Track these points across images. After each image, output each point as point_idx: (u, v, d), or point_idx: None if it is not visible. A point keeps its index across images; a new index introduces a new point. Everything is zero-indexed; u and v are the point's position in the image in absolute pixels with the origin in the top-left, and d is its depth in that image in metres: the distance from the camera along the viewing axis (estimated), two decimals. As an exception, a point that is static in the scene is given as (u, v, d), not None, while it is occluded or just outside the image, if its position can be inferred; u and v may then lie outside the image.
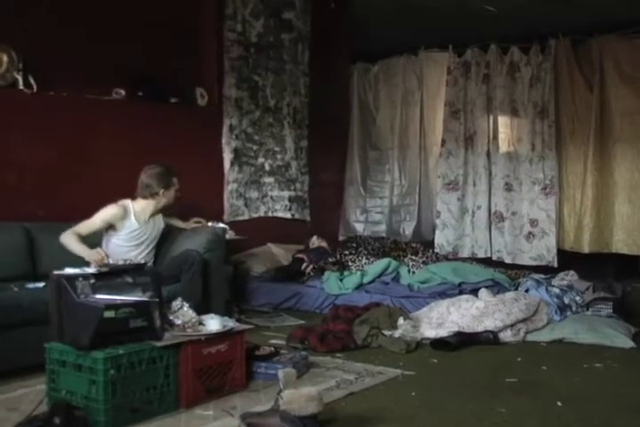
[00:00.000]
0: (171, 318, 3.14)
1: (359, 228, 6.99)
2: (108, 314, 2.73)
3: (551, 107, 6.15)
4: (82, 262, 3.63)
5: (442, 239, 6.46)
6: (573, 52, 6.16)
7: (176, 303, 3.24)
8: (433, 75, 6.74)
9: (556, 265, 6.00)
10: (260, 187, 6.08)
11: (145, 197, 4.28)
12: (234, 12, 5.79)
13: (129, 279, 2.97)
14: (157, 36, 5.25)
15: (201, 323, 3.21)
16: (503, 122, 6.45)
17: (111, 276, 2.96)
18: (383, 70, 7.03)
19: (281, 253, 5.95)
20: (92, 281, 2.86)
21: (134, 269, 3.05)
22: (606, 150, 6.01)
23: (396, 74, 6.93)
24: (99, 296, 2.82)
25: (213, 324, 3.17)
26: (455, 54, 6.57)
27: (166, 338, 2.97)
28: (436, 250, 6.36)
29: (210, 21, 5.69)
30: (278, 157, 6.20)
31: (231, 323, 3.30)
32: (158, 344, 2.90)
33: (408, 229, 6.84)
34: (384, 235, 6.80)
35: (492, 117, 6.46)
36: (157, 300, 2.94)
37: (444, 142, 6.52)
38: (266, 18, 6.05)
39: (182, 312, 3.21)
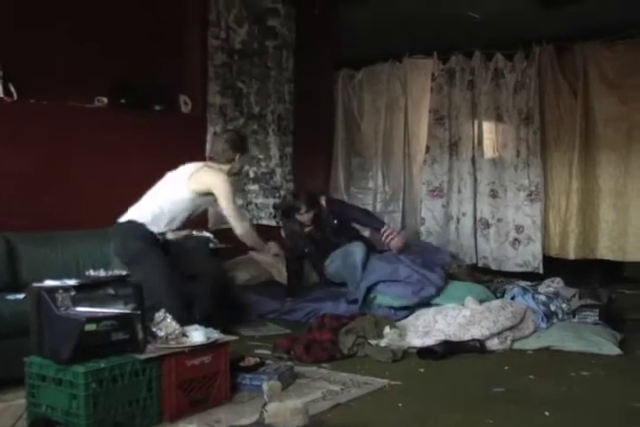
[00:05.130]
0: (153, 329, 3.08)
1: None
2: (90, 327, 2.67)
3: (536, 113, 6.18)
4: (62, 273, 3.56)
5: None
6: (557, 58, 6.19)
7: (159, 315, 3.18)
8: (417, 81, 6.75)
9: (541, 271, 6.00)
10: (244, 194, 6.03)
11: (222, 163, 4.24)
12: (217, 19, 5.75)
13: (111, 291, 2.91)
14: (140, 43, 5.21)
15: (184, 335, 3.15)
16: (488, 128, 6.46)
17: (92, 288, 2.90)
18: (367, 77, 7.03)
19: (265, 260, 5.90)
20: (73, 293, 2.80)
21: (116, 280, 2.99)
22: (591, 156, 6.04)
23: (380, 80, 6.94)
24: (79, 309, 2.77)
25: (197, 335, 3.12)
26: (440, 61, 6.59)
27: (149, 351, 2.91)
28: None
29: (193, 28, 5.66)
30: (263, 164, 6.17)
31: (215, 334, 3.25)
32: (141, 357, 2.84)
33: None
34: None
35: (476, 124, 6.48)
36: (139, 312, 2.88)
37: (428, 149, 6.53)
38: (250, 24, 6.02)
39: (165, 324, 3.15)
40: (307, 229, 5.50)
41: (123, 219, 4.11)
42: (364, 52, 7.06)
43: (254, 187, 6.11)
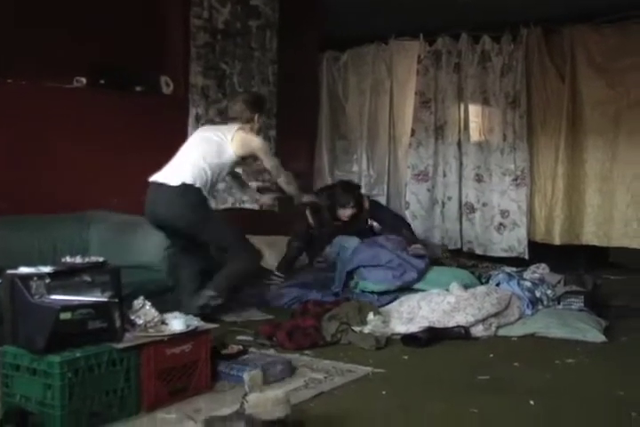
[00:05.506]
0: (132, 317, 3.00)
1: (327, 218, 6.87)
2: (65, 316, 2.59)
3: (523, 97, 6.11)
4: (38, 259, 3.48)
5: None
6: (545, 41, 6.11)
7: (138, 302, 3.10)
8: (403, 64, 6.65)
9: (526, 257, 5.98)
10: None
11: (243, 123, 4.35)
12: (200, -1, 5.62)
13: (87, 278, 2.83)
14: (120, 22, 5.08)
15: (164, 322, 3.08)
16: (474, 112, 6.39)
17: (68, 275, 2.81)
18: (353, 59, 6.92)
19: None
20: (48, 281, 2.71)
21: (93, 267, 2.91)
22: (577, 141, 5.99)
23: (365, 62, 6.83)
24: (54, 297, 2.68)
25: (177, 323, 3.04)
26: (426, 43, 6.49)
27: (127, 339, 2.84)
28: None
29: (175, 7, 5.53)
30: (246, 147, 6.06)
31: (195, 322, 3.18)
32: (118, 346, 2.77)
33: (377, 220, 6.75)
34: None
35: (462, 107, 6.41)
36: (117, 300, 2.80)
37: (413, 132, 6.45)
38: (233, 4, 5.88)
39: (144, 311, 3.07)
40: (335, 223, 5.43)
41: (172, 180, 4.09)
42: (350, 34, 6.93)
43: (237, 170, 5.98)
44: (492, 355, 3.86)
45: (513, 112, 6.10)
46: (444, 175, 6.36)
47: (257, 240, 5.86)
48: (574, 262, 5.94)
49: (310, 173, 6.92)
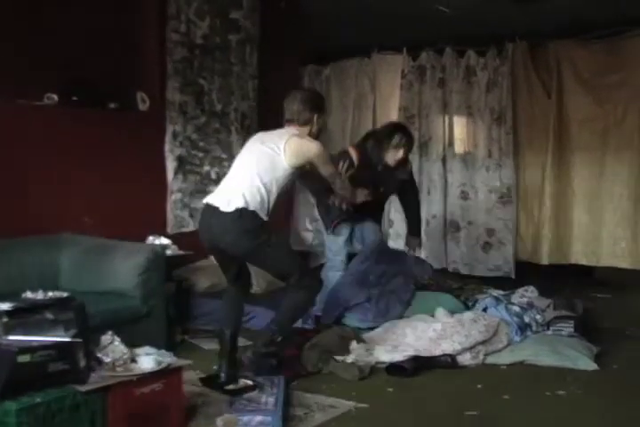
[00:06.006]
0: (99, 355, 2.82)
1: (308, 237, 6.70)
2: (23, 358, 2.41)
3: (508, 113, 5.99)
4: (4, 287, 3.29)
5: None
6: (531, 56, 5.99)
7: (106, 338, 2.91)
8: (386, 78, 6.51)
9: (513, 276, 5.84)
10: (206, 196, 5.73)
11: (301, 125, 3.80)
12: (177, 12, 5.44)
13: (49, 316, 2.65)
14: (93, 36, 4.89)
15: (133, 359, 2.90)
16: (459, 128, 6.26)
17: (29, 312, 2.63)
18: (335, 73, 6.78)
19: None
20: (6, 320, 2.53)
21: (56, 303, 2.72)
22: (565, 158, 5.87)
23: (348, 77, 6.69)
24: (12, 337, 2.50)
25: (147, 361, 2.86)
26: (410, 57, 6.35)
27: (92, 380, 2.65)
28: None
29: (151, 21, 5.34)
30: (225, 164, 5.86)
31: (168, 358, 3.00)
32: (82, 389, 2.58)
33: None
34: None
35: (447, 123, 6.27)
36: (81, 340, 2.62)
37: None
38: (212, 18, 5.71)
39: (112, 348, 2.89)
40: (380, 168, 4.78)
41: (225, 204, 3.57)
42: (332, 47, 6.82)
43: (216, 188, 5.82)
44: (480, 386, 3.70)
45: (498, 128, 5.98)
46: (429, 193, 6.22)
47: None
48: (560, 280, 5.83)
49: (292, 190, 6.73)
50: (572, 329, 4.34)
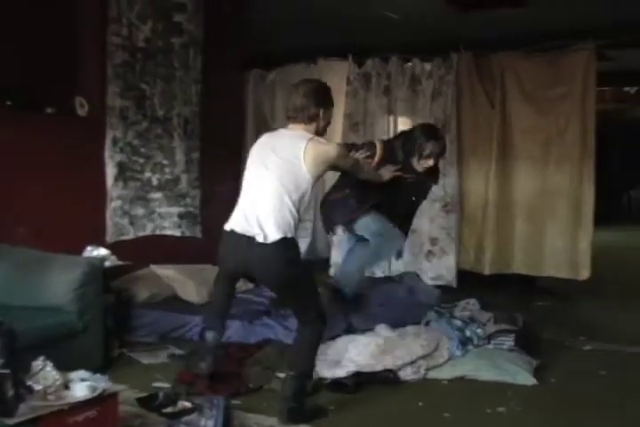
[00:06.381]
0: (29, 383, 2.71)
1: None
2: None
3: (453, 122, 6.01)
4: None
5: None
6: (475, 66, 6.01)
7: (36, 364, 2.81)
8: (332, 85, 6.31)
9: (455, 285, 5.87)
10: (146, 203, 5.63)
11: (306, 123, 3.40)
12: (118, 15, 5.29)
13: (-26, 344, 2.53)
14: (30, 39, 4.73)
15: (66, 386, 2.80)
16: (404, 136, 6.23)
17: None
18: (280, 78, 6.70)
19: (168, 274, 5.55)
20: None
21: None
22: (508, 168, 5.93)
23: (293, 82, 6.57)
24: None
25: (80, 388, 2.76)
26: (355, 64, 6.31)
27: (22, 412, 2.54)
28: (331, 269, 6.11)
29: (90, 24, 5.18)
30: (167, 170, 5.77)
31: (103, 383, 2.90)
32: (10, 422, 2.48)
33: (302, 245, 6.47)
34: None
35: (392, 131, 6.25)
36: (9, 370, 2.51)
37: (342, 156, 6.25)
38: (154, 21, 5.57)
39: (44, 374, 2.78)
40: (407, 175, 4.43)
41: (261, 234, 3.21)
42: (278, 52, 6.75)
43: (158, 195, 5.71)
44: (421, 403, 3.70)
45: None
46: (374, 201, 6.19)
47: (180, 269, 5.64)
48: (503, 290, 5.89)
49: (234, 198, 6.62)
50: (512, 343, 4.37)
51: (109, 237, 5.32)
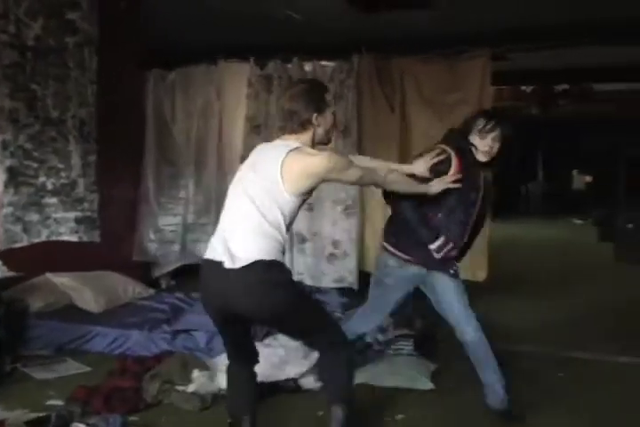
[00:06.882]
0: None
1: (152, 248, 6.48)
2: None
3: (354, 125, 6.02)
4: None
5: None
6: (376, 69, 6.04)
7: None
8: (233, 87, 6.35)
9: (356, 287, 5.92)
10: (41, 209, 5.42)
11: (297, 132, 2.94)
12: (4, 11, 5.03)
13: None
14: None
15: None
16: (305, 139, 6.23)
17: None
18: (180, 79, 6.53)
19: (64, 282, 5.39)
20: None
21: None
22: (407, 172, 5.98)
23: (193, 83, 6.47)
24: None
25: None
26: (257, 66, 6.24)
27: None
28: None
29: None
30: (63, 174, 5.57)
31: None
32: None
33: (204, 249, 6.42)
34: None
35: (294, 135, 6.23)
36: None
37: (243, 159, 6.16)
38: (45, 18, 5.33)
39: None
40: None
41: (240, 259, 2.78)
42: (178, 52, 6.61)
43: (53, 200, 5.49)
44: (321, 413, 3.72)
45: (343, 141, 6.00)
46: (275, 204, 6.16)
47: (77, 277, 5.48)
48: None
49: (135, 201, 6.50)
50: (411, 347, 4.47)
51: (0, 245, 5.11)
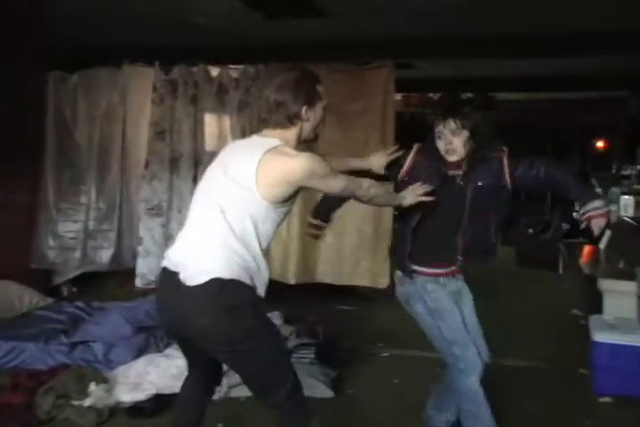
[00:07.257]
0: None
1: (51, 255, 6.31)
2: None
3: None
4: None
5: (144, 268, 6.06)
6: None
7: None
8: (138, 91, 6.27)
9: (262, 295, 5.91)
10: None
11: (283, 127, 2.55)
12: None
13: None
14: None
15: None
16: (211, 146, 6.20)
17: None
18: (83, 81, 6.39)
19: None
20: None
21: None
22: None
23: (97, 86, 6.35)
24: None
25: None
26: (162, 71, 6.17)
27: None
28: (136, 279, 5.97)
29: None
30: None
31: None
32: None
33: (106, 256, 6.33)
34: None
35: (199, 141, 6.18)
36: None
37: (147, 164, 6.11)
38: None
39: None
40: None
41: (195, 275, 2.38)
42: (82, 54, 6.45)
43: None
44: (220, 425, 3.71)
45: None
46: (179, 211, 6.09)
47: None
48: (309, 295, 6.01)
49: (33, 206, 6.30)
50: (313, 356, 4.48)
51: None
